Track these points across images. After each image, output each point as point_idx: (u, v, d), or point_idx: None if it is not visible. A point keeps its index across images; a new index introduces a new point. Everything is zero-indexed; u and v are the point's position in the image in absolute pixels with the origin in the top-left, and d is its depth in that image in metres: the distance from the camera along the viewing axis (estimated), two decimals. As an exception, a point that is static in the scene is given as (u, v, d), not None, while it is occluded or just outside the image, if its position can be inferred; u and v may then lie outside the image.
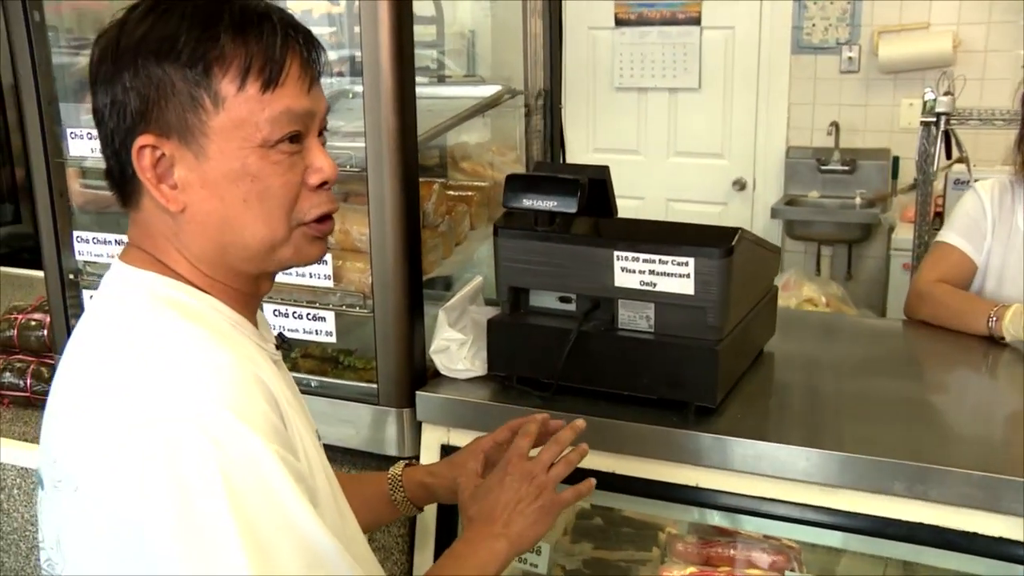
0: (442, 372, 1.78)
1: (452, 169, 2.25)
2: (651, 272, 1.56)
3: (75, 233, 1.99)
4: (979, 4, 4.41)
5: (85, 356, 1.02)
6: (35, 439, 1.98)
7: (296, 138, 1.03)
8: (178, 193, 1.01)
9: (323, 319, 1.77)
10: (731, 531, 1.92)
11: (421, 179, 1.72)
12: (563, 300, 1.70)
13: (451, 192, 2.06)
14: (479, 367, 1.76)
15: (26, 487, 1.92)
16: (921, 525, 1.43)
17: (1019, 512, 1.37)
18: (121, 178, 1.03)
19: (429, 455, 1.74)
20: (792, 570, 1.86)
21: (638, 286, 1.58)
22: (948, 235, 2.19)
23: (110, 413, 0.94)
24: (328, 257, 1.71)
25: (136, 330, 0.99)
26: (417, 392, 1.73)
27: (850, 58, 4.66)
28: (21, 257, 4.05)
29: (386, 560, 1.77)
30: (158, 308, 1.01)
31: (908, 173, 4.57)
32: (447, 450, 1.73)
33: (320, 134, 1.08)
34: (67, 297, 2.03)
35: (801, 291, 3.93)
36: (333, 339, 1.77)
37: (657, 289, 1.57)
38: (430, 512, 1.71)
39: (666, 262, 1.55)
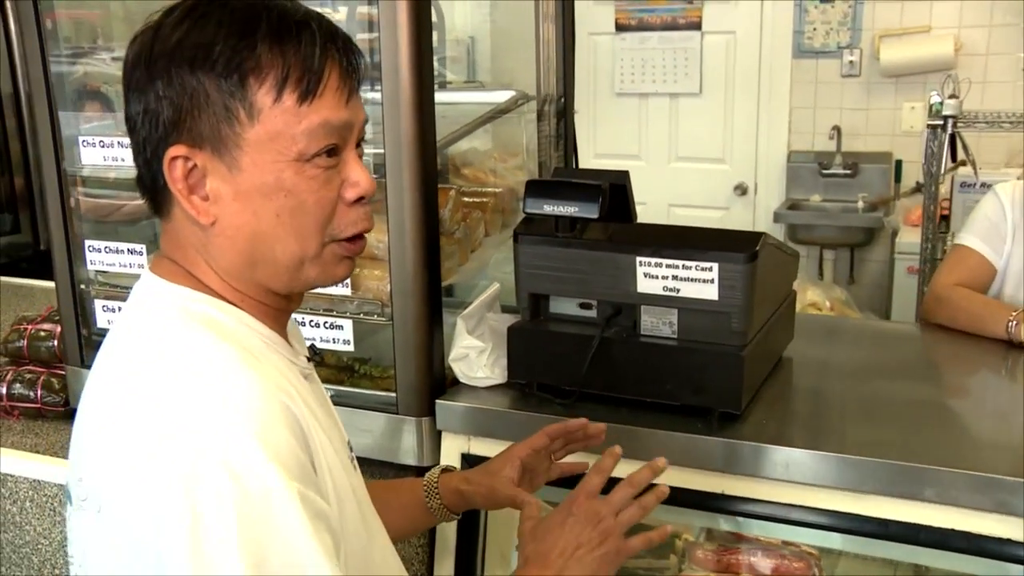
0: (461, 380, 1.76)
1: (453, 176, 2.23)
2: (674, 277, 1.55)
3: (87, 242, 1.97)
4: (980, 7, 4.42)
5: (113, 372, 1.00)
6: (47, 451, 1.96)
7: (333, 151, 1.00)
8: (209, 205, 0.98)
9: (340, 327, 1.75)
10: (749, 537, 1.91)
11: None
12: (583, 306, 1.69)
13: (466, 198, 2.04)
14: (499, 375, 1.74)
15: (39, 499, 1.90)
16: (953, 531, 1.42)
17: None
18: (152, 187, 1.01)
19: (449, 464, 1.72)
20: (814, 577, 1.85)
21: (661, 292, 1.57)
22: (967, 238, 2.18)
23: (133, 435, 0.92)
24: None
25: (164, 349, 0.96)
26: (437, 401, 1.71)
27: (851, 62, 4.66)
28: (19, 267, 4.02)
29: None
30: (188, 325, 0.98)
31: (910, 176, 4.58)
32: (467, 459, 1.72)
33: (358, 145, 1.05)
34: (78, 307, 2.01)
35: (805, 295, 3.92)
36: (351, 347, 1.76)
37: (681, 295, 1.56)
38: (451, 525, 1.69)
39: (690, 267, 1.54)
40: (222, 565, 0.85)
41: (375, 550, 1.11)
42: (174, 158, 0.96)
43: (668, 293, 1.56)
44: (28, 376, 2.11)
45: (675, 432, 1.57)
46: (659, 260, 1.55)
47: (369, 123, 1.11)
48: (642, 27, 4.99)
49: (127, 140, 1.85)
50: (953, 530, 1.43)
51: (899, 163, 4.62)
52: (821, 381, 1.83)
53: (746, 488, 1.54)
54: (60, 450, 1.96)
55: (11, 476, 1.92)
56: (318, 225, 1.00)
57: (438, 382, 1.74)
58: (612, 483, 1.30)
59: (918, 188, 4.50)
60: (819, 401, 1.76)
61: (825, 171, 4.75)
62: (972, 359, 1.98)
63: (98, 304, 2.01)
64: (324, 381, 1.80)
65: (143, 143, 0.99)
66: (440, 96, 1.72)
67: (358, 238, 1.05)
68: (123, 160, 1.92)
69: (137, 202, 2.14)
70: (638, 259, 1.56)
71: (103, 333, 2.01)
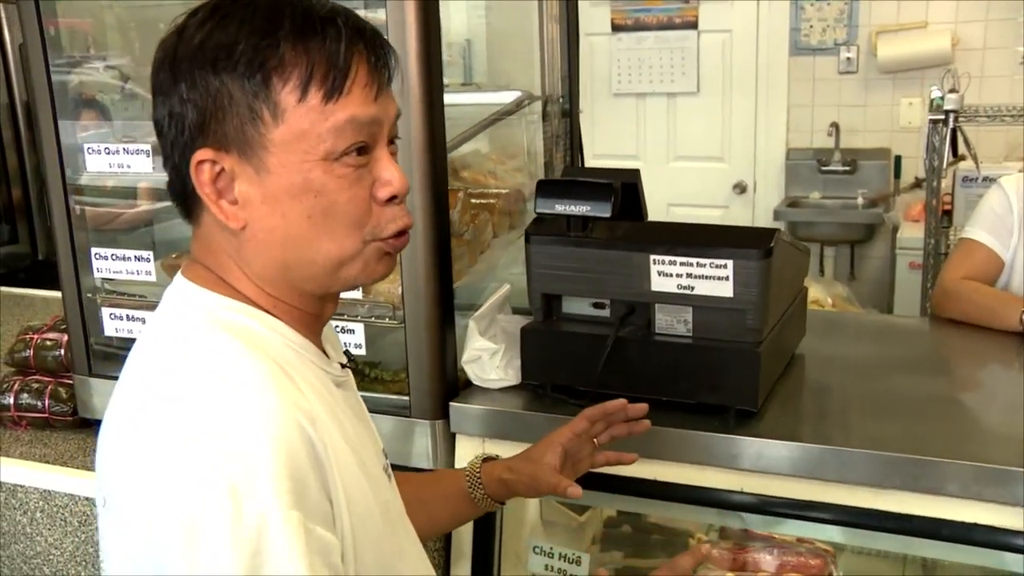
0: (474, 382, 1.75)
1: (453, 179, 2.22)
2: (689, 275, 1.54)
3: (93, 250, 1.96)
4: (976, 3, 4.43)
5: (137, 377, 0.99)
6: (56, 461, 1.95)
7: (363, 149, 0.97)
8: (238, 209, 0.96)
9: (352, 331, 1.74)
10: (764, 536, 1.90)
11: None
12: (596, 306, 1.68)
13: (473, 200, 2.03)
14: (512, 376, 1.73)
15: (49, 510, 1.89)
16: (976, 526, 1.41)
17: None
18: (182, 192, 0.99)
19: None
20: (830, 574, 1.84)
21: (675, 290, 1.56)
22: (974, 231, 2.18)
23: (145, 440, 0.91)
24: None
25: (188, 357, 0.95)
26: (450, 403, 1.71)
27: (848, 59, 4.67)
28: (17, 277, 4.01)
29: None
30: (215, 333, 0.96)
31: (909, 172, 4.59)
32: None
33: (391, 142, 1.02)
34: (85, 316, 2.00)
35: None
36: (363, 351, 1.75)
37: (695, 292, 1.55)
38: (466, 526, 1.68)
39: (704, 265, 1.53)
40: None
41: (404, 566, 1.09)
42: (200, 162, 0.94)
43: (682, 291, 1.56)
44: (35, 386, 2.10)
45: (692, 431, 1.56)
46: (673, 258, 1.54)
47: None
48: (638, 27, 4.99)
49: (132, 147, 1.89)
50: (977, 524, 1.42)
51: (898, 159, 4.63)
52: (835, 377, 1.83)
53: (765, 485, 1.53)
54: (70, 460, 1.95)
55: (21, 487, 1.90)
56: (353, 225, 0.98)
57: (451, 385, 1.73)
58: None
59: (917, 183, 4.51)
60: (834, 397, 1.75)
61: (824, 168, 4.75)
62: (984, 352, 1.98)
63: (105, 312, 1.99)
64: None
65: (170, 147, 0.97)
66: (444, 98, 1.71)
67: (400, 233, 1.02)
68: (128, 167, 1.91)
69: (135, 210, 2.17)
70: (652, 257, 1.56)
71: (110, 341, 2.03)
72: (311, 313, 1.04)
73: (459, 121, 2.04)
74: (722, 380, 1.56)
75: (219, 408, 0.89)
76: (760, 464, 1.52)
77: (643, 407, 1.44)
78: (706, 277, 1.53)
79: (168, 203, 2.13)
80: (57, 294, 2.05)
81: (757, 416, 1.58)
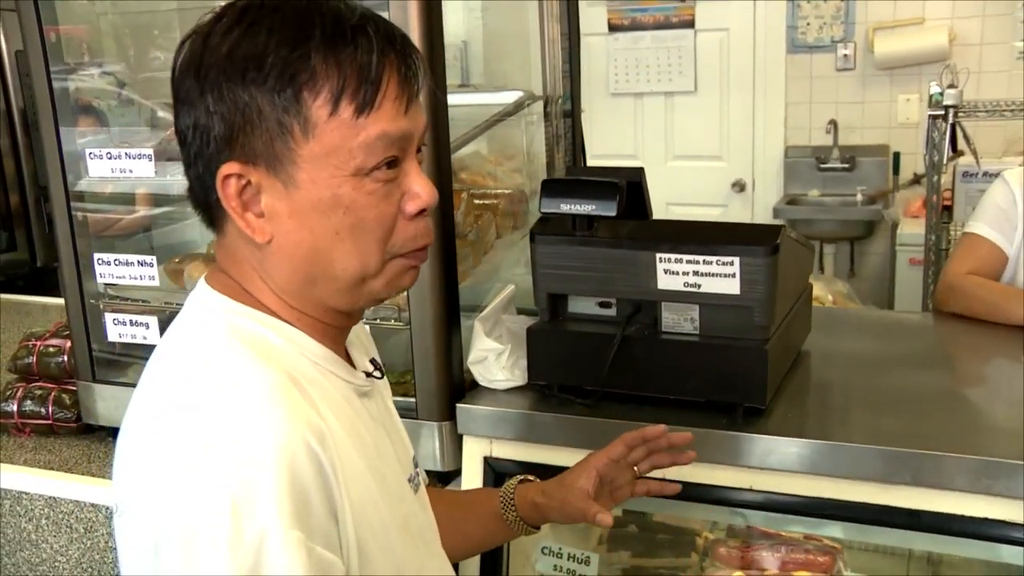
0: (480, 383, 1.75)
1: (452, 180, 2.21)
2: (695, 273, 1.54)
3: (95, 255, 1.95)
4: (973, -2, 4.44)
5: (153, 383, 0.98)
6: (60, 467, 1.94)
7: (393, 163, 0.95)
8: (264, 223, 0.94)
9: (358, 333, 1.73)
10: (772, 533, 1.90)
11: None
12: (602, 305, 1.67)
13: (476, 201, 2.03)
14: (519, 377, 1.73)
15: (55, 516, 1.88)
16: (985, 520, 1.41)
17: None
18: (205, 202, 0.97)
19: (471, 468, 1.71)
20: (839, 571, 1.84)
21: (682, 288, 1.56)
22: (977, 226, 2.18)
23: (154, 451, 0.90)
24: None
25: (203, 366, 0.94)
26: (457, 405, 1.70)
27: (845, 56, 4.67)
28: (16, 284, 4.01)
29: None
30: (232, 344, 0.95)
31: (908, 168, 4.59)
32: (489, 462, 1.70)
33: (418, 151, 1.00)
34: (88, 322, 1.99)
35: (807, 290, 3.92)
36: (369, 353, 1.74)
37: (702, 290, 1.54)
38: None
39: (711, 262, 1.52)
40: None
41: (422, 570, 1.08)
42: (227, 176, 0.92)
43: (689, 289, 1.55)
44: (39, 393, 2.09)
45: (700, 429, 1.55)
46: (679, 256, 1.54)
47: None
48: (635, 27, 4.99)
49: (134, 151, 1.88)
50: (984, 518, 1.42)
51: (896, 155, 4.63)
52: (842, 373, 1.82)
53: (774, 482, 1.53)
54: (74, 466, 1.94)
55: (26, 494, 1.90)
56: (378, 241, 0.96)
57: (457, 386, 1.73)
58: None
59: (916, 180, 4.52)
60: (841, 393, 1.75)
61: (822, 165, 4.76)
62: (989, 346, 1.98)
63: (108, 318, 1.99)
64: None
65: (194, 157, 0.95)
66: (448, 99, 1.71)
67: (420, 251, 1.00)
68: (131, 171, 1.90)
69: (133, 216, 2.17)
70: (658, 255, 1.55)
71: (113, 347, 2.02)
72: (335, 325, 1.02)
73: (457, 123, 2.03)
74: (730, 378, 1.55)
75: (227, 421, 0.88)
76: (769, 461, 1.52)
77: (687, 437, 1.38)
78: (713, 275, 1.53)
79: (167, 208, 2.16)
80: (57, 301, 2.05)
81: (765, 413, 1.57)
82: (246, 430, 0.87)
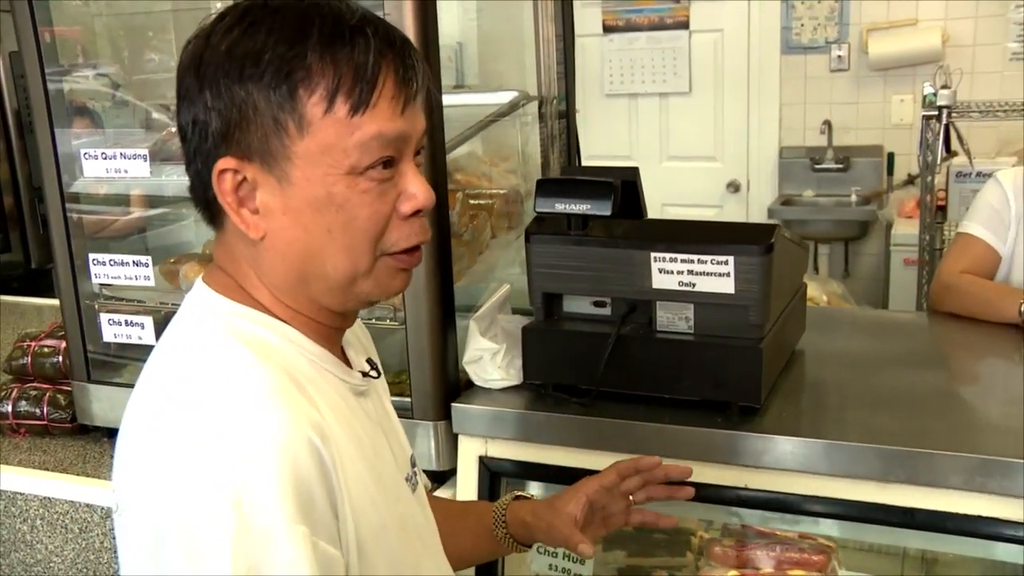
0: (476, 383, 1.75)
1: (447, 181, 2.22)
2: (690, 272, 1.54)
3: (90, 256, 1.95)
4: (966, 0, 4.44)
5: (150, 383, 0.98)
6: (55, 468, 1.94)
7: (389, 163, 0.95)
8: (259, 219, 0.95)
9: (353, 333, 1.73)
10: (767, 532, 1.91)
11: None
12: (598, 304, 1.68)
13: (472, 201, 2.03)
14: (514, 376, 1.73)
15: (49, 517, 1.88)
16: (980, 518, 1.41)
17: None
18: (204, 198, 0.98)
19: (466, 467, 1.71)
20: (833, 570, 1.85)
21: (677, 287, 1.56)
22: (971, 226, 2.19)
23: (154, 450, 0.90)
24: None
25: (200, 367, 0.94)
26: (452, 404, 1.70)
27: (839, 56, 4.68)
28: (10, 286, 3.99)
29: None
30: (229, 343, 0.95)
31: (902, 169, 4.60)
32: (484, 462, 1.71)
33: (417, 154, 1.00)
34: (83, 322, 1.99)
35: (802, 290, 3.93)
36: (365, 353, 1.74)
37: (696, 289, 1.55)
38: None
39: (705, 261, 1.53)
40: None
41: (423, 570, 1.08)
42: (223, 171, 0.93)
43: (684, 288, 1.55)
44: (34, 393, 2.09)
45: (695, 427, 1.56)
46: (674, 255, 1.54)
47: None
48: (629, 28, 4.99)
49: (129, 151, 1.88)
50: (978, 516, 1.42)
51: (891, 156, 4.64)
52: (836, 372, 1.83)
53: (769, 481, 1.53)
54: (69, 467, 1.94)
55: (21, 494, 1.90)
56: (370, 240, 0.96)
57: (453, 385, 1.73)
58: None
59: (910, 180, 4.53)
60: (836, 392, 1.76)
61: (817, 166, 4.77)
62: (983, 345, 1.98)
63: (103, 318, 1.99)
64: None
65: (193, 153, 0.95)
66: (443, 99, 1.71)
67: (414, 249, 1.00)
68: (126, 172, 1.90)
69: (128, 217, 2.16)
70: (653, 254, 1.55)
71: (108, 348, 2.02)
72: (329, 325, 1.03)
73: (452, 123, 2.04)
74: (724, 376, 1.56)
75: (227, 418, 0.88)
76: (763, 460, 1.52)
77: (686, 470, 1.37)
78: (707, 274, 1.53)
79: (162, 209, 2.15)
80: (51, 302, 2.05)
81: (760, 412, 1.58)
82: (248, 426, 0.87)
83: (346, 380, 1.04)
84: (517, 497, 1.42)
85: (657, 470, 1.38)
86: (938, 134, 3.16)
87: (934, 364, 1.91)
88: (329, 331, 1.03)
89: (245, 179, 0.93)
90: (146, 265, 1.93)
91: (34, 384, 2.12)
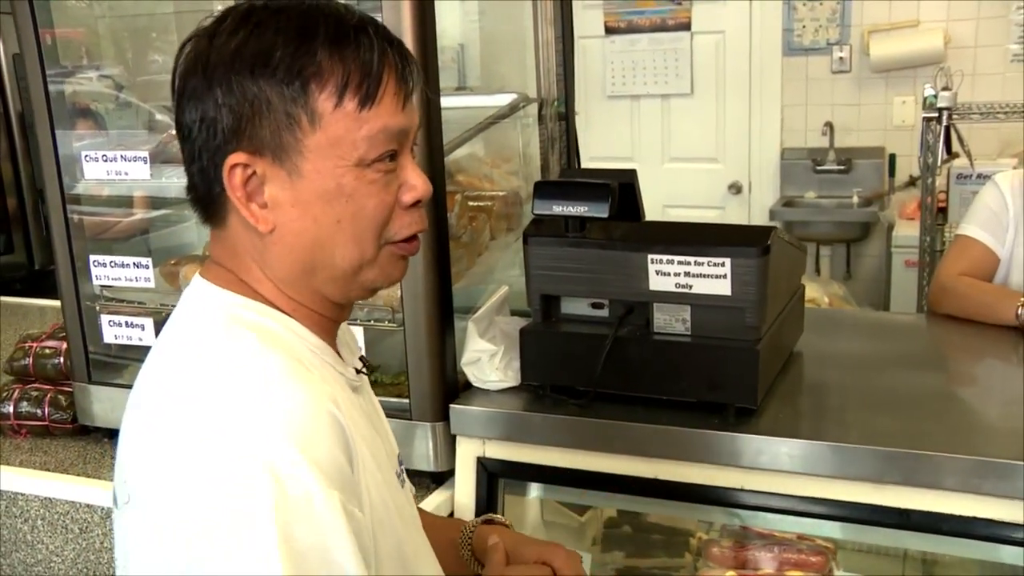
0: (474, 384, 1.76)
1: (448, 182, 2.22)
2: (687, 274, 1.55)
3: (91, 257, 1.96)
4: (968, 1, 4.45)
5: (160, 375, 1.00)
6: (56, 468, 1.95)
7: (391, 156, 1.00)
8: (268, 212, 0.98)
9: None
10: (765, 533, 1.91)
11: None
12: (595, 306, 1.68)
13: (471, 203, 2.04)
14: (512, 377, 1.74)
15: (50, 517, 1.89)
16: (974, 519, 1.42)
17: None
18: (207, 195, 1.00)
19: (464, 468, 1.72)
20: (831, 571, 1.85)
21: (674, 289, 1.56)
22: (969, 228, 2.19)
23: (179, 434, 0.92)
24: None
25: (213, 354, 0.96)
26: (450, 405, 1.71)
27: (841, 58, 4.68)
28: (14, 287, 4.00)
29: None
30: (236, 331, 0.98)
31: (904, 170, 4.60)
32: (483, 463, 1.71)
33: (411, 149, 1.05)
34: (84, 323, 2.00)
35: (803, 292, 3.93)
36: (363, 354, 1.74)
37: (693, 291, 1.55)
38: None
39: (702, 263, 1.53)
40: (260, 567, 0.84)
41: (421, 567, 1.10)
42: (234, 165, 0.96)
43: (680, 290, 1.56)
44: (35, 394, 2.10)
45: (692, 429, 1.57)
46: (671, 257, 1.55)
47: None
48: (631, 29, 5.00)
49: (130, 154, 1.89)
50: (975, 518, 1.43)
51: (892, 157, 4.64)
52: (834, 374, 1.83)
53: (765, 482, 1.54)
54: (70, 467, 1.95)
55: (22, 495, 1.90)
56: (376, 229, 1.00)
57: (451, 387, 1.73)
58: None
59: (912, 182, 4.52)
60: (834, 393, 1.76)
61: (819, 167, 4.77)
62: (982, 347, 1.99)
63: (104, 319, 2.00)
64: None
65: (199, 151, 0.98)
66: (441, 101, 1.71)
67: (413, 238, 1.05)
68: (126, 174, 1.91)
69: (131, 219, 2.17)
70: (650, 257, 1.56)
71: (109, 349, 2.03)
72: (328, 317, 1.06)
73: (453, 125, 2.04)
74: (721, 378, 1.56)
75: (249, 394, 0.91)
76: (760, 461, 1.53)
77: None
78: (704, 276, 1.54)
79: (164, 211, 2.16)
80: (53, 303, 2.06)
81: (756, 413, 1.58)
82: (271, 400, 0.91)
83: (343, 374, 1.07)
84: (487, 521, 1.44)
85: None
86: (939, 136, 3.15)
87: (932, 366, 1.91)
88: (328, 323, 1.07)
89: (255, 173, 0.97)
90: (146, 267, 1.94)
91: (35, 385, 2.13)
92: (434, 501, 1.71)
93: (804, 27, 4.71)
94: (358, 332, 1.75)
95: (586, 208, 1.57)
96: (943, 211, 3.58)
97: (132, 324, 1.97)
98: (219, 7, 1.87)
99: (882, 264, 4.60)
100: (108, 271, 1.96)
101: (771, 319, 1.61)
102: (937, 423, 1.58)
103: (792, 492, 1.53)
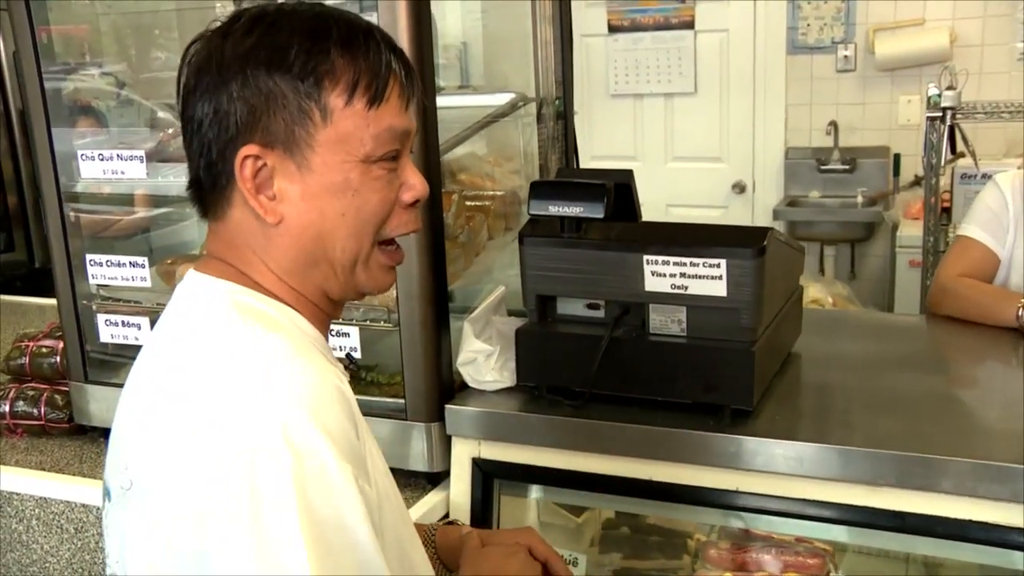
0: (470, 384, 1.75)
1: (450, 181, 2.22)
2: (682, 275, 1.54)
3: (88, 256, 1.96)
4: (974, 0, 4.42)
5: (163, 362, 1.02)
6: (52, 468, 1.95)
7: (394, 156, 1.04)
8: (276, 204, 1.01)
9: (347, 335, 1.74)
10: (763, 535, 1.90)
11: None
12: (591, 307, 1.67)
13: (468, 202, 2.03)
14: (507, 378, 1.73)
15: (45, 517, 1.88)
16: (971, 522, 1.41)
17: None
18: (212, 188, 1.03)
19: (460, 469, 1.71)
20: (828, 573, 1.84)
21: (669, 289, 1.56)
22: (969, 228, 2.17)
23: (189, 418, 0.93)
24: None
25: (219, 337, 0.98)
26: (446, 406, 1.70)
27: (846, 57, 4.66)
28: (14, 285, 4.01)
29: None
30: (242, 316, 1.00)
31: (909, 170, 4.58)
32: (478, 463, 1.70)
33: (409, 152, 1.09)
34: (80, 322, 2.00)
35: (807, 292, 3.89)
36: (359, 355, 1.74)
37: (689, 292, 1.54)
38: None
39: (697, 264, 1.52)
40: (280, 541, 0.86)
41: (415, 551, 1.11)
42: (246, 157, 0.99)
43: (676, 291, 1.55)
44: (31, 393, 2.10)
45: (687, 430, 1.56)
46: (666, 258, 1.54)
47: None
48: (635, 28, 4.98)
49: (127, 153, 1.89)
50: (971, 521, 1.42)
51: (897, 157, 4.61)
52: (831, 375, 1.82)
53: (761, 484, 1.53)
54: (66, 467, 1.95)
55: (17, 494, 1.90)
56: (376, 225, 1.05)
57: (446, 387, 1.73)
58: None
59: (917, 181, 4.50)
60: (830, 395, 1.75)
61: (823, 167, 4.74)
62: (981, 349, 1.97)
63: (100, 319, 1.99)
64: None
65: (208, 144, 1.01)
66: (438, 100, 1.71)
67: (397, 249, 1.10)
68: (123, 173, 1.91)
69: (132, 217, 2.17)
70: (645, 257, 1.55)
71: (106, 348, 2.02)
72: (326, 312, 1.09)
73: (456, 124, 2.04)
74: (717, 379, 1.55)
75: (260, 375, 0.93)
76: (756, 463, 1.52)
77: None
78: (699, 277, 1.53)
79: (165, 209, 2.16)
80: (53, 302, 2.06)
81: (753, 415, 1.57)
82: (281, 377, 0.93)
83: (335, 366, 1.08)
84: (449, 522, 1.47)
85: None
86: (942, 135, 3.14)
87: (931, 367, 1.90)
88: (325, 317, 1.10)
89: (265, 165, 0.99)
90: (142, 266, 1.93)
91: (32, 384, 2.13)
92: (430, 502, 1.71)
93: (809, 25, 4.69)
94: (354, 332, 1.75)
95: (582, 208, 1.56)
96: (947, 211, 3.56)
97: (128, 323, 1.97)
98: (219, 5, 1.87)
99: (887, 264, 4.58)
100: (104, 270, 1.95)
101: (767, 320, 1.60)
102: (935, 425, 1.57)
103: (788, 494, 1.52)
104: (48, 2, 1.90)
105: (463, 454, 1.72)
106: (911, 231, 4.15)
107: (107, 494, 1.05)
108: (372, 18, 1.56)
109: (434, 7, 1.60)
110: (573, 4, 2.31)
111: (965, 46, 4.44)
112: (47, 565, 1.91)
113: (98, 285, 1.99)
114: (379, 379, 1.82)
